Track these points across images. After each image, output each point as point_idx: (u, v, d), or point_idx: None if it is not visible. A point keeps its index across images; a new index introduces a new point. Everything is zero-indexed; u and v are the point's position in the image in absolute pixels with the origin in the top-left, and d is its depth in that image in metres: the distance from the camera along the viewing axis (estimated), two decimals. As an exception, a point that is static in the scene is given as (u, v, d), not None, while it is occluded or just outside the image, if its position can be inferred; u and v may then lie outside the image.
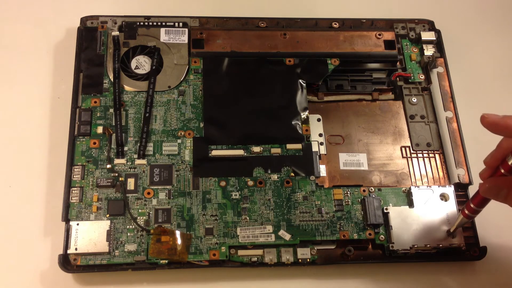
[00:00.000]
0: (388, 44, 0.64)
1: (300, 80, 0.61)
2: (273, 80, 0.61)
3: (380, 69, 0.64)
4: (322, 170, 0.58)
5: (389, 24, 0.66)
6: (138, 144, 0.56)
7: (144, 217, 0.54)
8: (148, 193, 0.54)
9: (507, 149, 0.44)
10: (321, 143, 0.59)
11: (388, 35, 0.64)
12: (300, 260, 0.53)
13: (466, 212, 0.50)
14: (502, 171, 0.43)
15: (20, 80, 0.62)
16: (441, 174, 0.59)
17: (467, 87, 0.66)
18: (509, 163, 0.43)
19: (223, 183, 0.55)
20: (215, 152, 0.57)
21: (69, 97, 0.58)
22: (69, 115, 0.57)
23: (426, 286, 0.55)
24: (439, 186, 0.56)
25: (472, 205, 0.49)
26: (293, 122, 0.59)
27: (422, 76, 0.63)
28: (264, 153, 0.57)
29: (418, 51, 0.65)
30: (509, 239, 0.57)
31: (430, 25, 0.66)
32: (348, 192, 0.56)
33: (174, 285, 0.53)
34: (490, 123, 0.42)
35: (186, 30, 0.63)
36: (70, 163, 0.55)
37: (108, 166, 0.55)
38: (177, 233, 0.53)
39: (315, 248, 0.54)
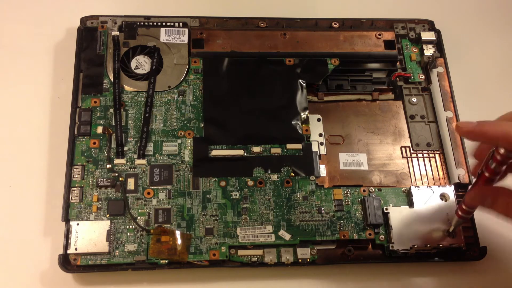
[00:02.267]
0: (388, 44, 0.64)
1: (300, 80, 0.61)
2: (273, 80, 0.61)
3: (380, 69, 0.64)
4: (322, 170, 0.58)
5: (389, 24, 0.66)
6: (138, 144, 0.56)
7: (144, 217, 0.54)
8: (148, 193, 0.54)
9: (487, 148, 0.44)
10: (321, 143, 0.59)
11: (388, 35, 0.64)
12: (300, 260, 0.53)
13: (460, 213, 0.50)
14: (487, 174, 0.43)
15: (20, 80, 0.62)
16: (441, 174, 0.59)
17: (467, 87, 0.66)
18: (491, 167, 0.43)
19: (223, 183, 0.55)
20: (215, 152, 0.57)
21: (69, 97, 0.58)
22: (69, 115, 0.57)
23: (426, 286, 0.55)
24: (439, 186, 0.56)
25: (464, 207, 0.49)
26: (293, 122, 0.59)
27: (422, 76, 0.63)
28: (264, 153, 0.57)
29: (418, 51, 0.65)
30: (509, 239, 0.57)
31: (430, 25, 0.66)
32: (348, 192, 0.56)
33: (174, 285, 0.53)
34: (466, 132, 0.41)
35: (186, 30, 0.63)
36: (70, 163, 0.55)
37: (108, 166, 0.55)
38: (177, 233, 0.53)
39: (315, 248, 0.54)
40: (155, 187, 0.55)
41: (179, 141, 0.57)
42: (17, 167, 0.57)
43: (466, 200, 0.47)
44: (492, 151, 0.42)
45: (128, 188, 0.55)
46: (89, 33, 0.62)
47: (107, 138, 0.56)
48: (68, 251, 0.51)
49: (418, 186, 0.56)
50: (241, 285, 0.54)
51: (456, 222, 0.52)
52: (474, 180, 0.48)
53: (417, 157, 0.60)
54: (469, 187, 0.58)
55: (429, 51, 0.64)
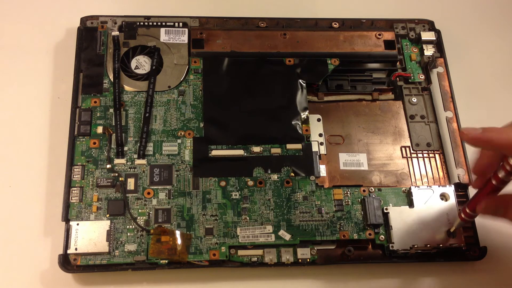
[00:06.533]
0: (388, 44, 0.64)
1: (300, 80, 0.61)
2: (273, 80, 0.61)
3: (380, 69, 0.64)
4: (322, 170, 0.58)
5: (389, 24, 0.66)
6: (138, 144, 0.56)
7: (144, 217, 0.54)
8: (148, 193, 0.54)
9: (489, 156, 0.44)
10: (321, 143, 0.59)
11: (388, 35, 0.64)
12: (300, 260, 0.53)
13: (463, 216, 0.50)
14: (494, 182, 0.43)
15: (20, 80, 0.62)
16: (441, 174, 0.59)
17: (467, 87, 0.66)
18: (499, 175, 0.42)
19: (223, 183, 0.55)
20: (215, 152, 0.57)
21: (69, 97, 0.58)
22: (69, 115, 0.57)
23: (426, 286, 0.55)
24: (439, 186, 0.56)
25: (468, 210, 0.49)
26: (293, 122, 0.59)
27: (422, 76, 0.63)
28: (264, 153, 0.57)
29: (418, 51, 0.65)
30: (509, 239, 0.57)
31: (430, 25, 0.66)
32: (348, 192, 0.56)
33: (174, 285, 0.53)
34: (471, 139, 0.41)
35: (186, 30, 0.63)
36: (70, 163, 0.55)
37: (108, 166, 0.55)
38: (177, 233, 0.53)
39: (315, 248, 0.54)
40: (155, 187, 0.55)
41: (179, 141, 0.57)
42: (17, 167, 0.57)
43: (478, 211, 0.47)
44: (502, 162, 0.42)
45: (128, 188, 0.55)
46: (89, 33, 0.62)
47: (107, 138, 0.56)
48: (68, 251, 0.51)
49: (418, 186, 0.56)
50: (241, 285, 0.54)
51: (458, 224, 0.52)
52: (474, 180, 0.48)
53: (417, 157, 0.60)
54: (471, 195, 0.58)
55: (429, 51, 0.64)
